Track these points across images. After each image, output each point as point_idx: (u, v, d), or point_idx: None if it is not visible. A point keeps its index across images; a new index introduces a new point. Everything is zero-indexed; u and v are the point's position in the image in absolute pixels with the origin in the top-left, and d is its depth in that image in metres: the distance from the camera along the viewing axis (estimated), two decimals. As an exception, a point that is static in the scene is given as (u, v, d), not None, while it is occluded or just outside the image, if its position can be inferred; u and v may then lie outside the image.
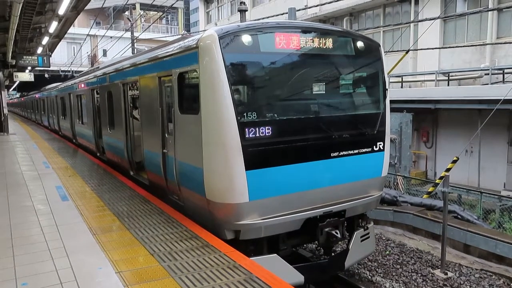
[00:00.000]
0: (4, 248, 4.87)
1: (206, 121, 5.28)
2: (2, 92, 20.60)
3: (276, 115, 5.54)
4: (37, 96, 28.59)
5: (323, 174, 5.88)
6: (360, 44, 6.37)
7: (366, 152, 6.35)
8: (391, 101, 7.06)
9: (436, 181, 12.43)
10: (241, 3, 6.53)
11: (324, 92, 6.28)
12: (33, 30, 15.62)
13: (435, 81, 17.21)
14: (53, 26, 13.51)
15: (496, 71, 15.52)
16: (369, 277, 8.17)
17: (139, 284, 3.91)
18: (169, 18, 63.07)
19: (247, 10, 6.49)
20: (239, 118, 5.09)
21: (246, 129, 5.14)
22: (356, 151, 6.21)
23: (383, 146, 6.59)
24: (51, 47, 21.27)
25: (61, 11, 11.38)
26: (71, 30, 19.09)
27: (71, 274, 4.14)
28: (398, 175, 13.78)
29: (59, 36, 18.49)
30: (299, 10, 13.74)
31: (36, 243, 5.05)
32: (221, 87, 5.05)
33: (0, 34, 14.80)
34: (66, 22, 15.64)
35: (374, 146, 6.46)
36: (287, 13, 12.38)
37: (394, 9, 20.53)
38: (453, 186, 11.57)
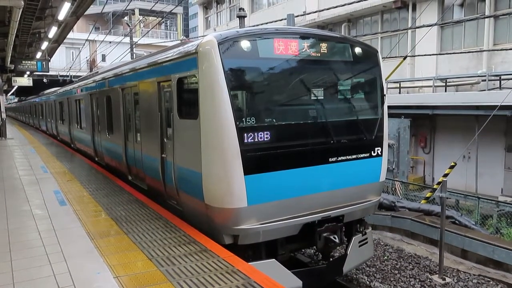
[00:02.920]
0: (1, 252, 4.87)
1: (205, 126, 5.30)
2: (1, 97, 20.59)
3: (274, 120, 5.57)
4: (35, 100, 28.60)
5: (321, 179, 5.90)
6: (358, 50, 6.41)
7: (364, 157, 6.37)
8: (389, 107, 7.10)
9: (434, 187, 12.44)
10: (240, 9, 6.57)
11: (322, 97, 6.32)
12: (33, 35, 15.66)
13: (433, 87, 17.28)
14: (53, 31, 13.55)
15: (493, 77, 15.60)
16: (367, 282, 8.16)
17: (137, 289, 3.91)
18: (168, 24, 63.28)
19: (246, 16, 6.52)
20: (237, 123, 5.11)
21: (245, 134, 5.16)
22: (354, 156, 6.23)
23: (381, 151, 6.62)
24: (50, 52, 21.31)
25: (61, 16, 11.42)
26: (70, 35, 19.11)
27: (69, 279, 4.14)
28: (396, 181, 13.80)
29: (58, 41, 18.54)
30: (297, 16, 13.82)
31: (34, 247, 5.04)
32: (220, 92, 5.08)
33: (-1, 39, 14.83)
34: (66, 27, 15.69)
35: (372, 151, 6.48)
36: (285, 19, 12.45)
37: (392, 15, 20.66)
38: (451, 192, 11.58)
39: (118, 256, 4.72)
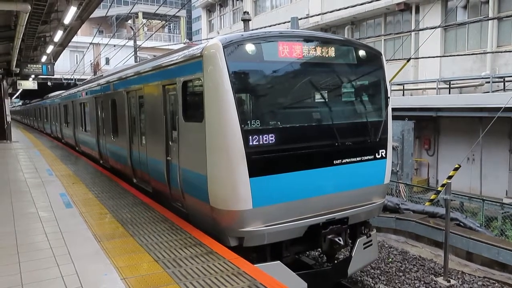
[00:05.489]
0: (9, 255, 4.92)
1: (210, 129, 5.34)
2: (6, 100, 20.73)
3: (279, 122, 5.60)
4: (39, 103, 28.78)
5: (326, 181, 5.92)
6: (362, 52, 6.45)
7: (368, 160, 6.39)
8: (393, 109, 7.12)
9: (438, 189, 12.43)
10: (244, 12, 6.60)
11: (326, 100, 6.35)
12: (38, 39, 15.76)
13: (436, 89, 17.29)
14: (58, 35, 13.63)
15: (496, 79, 15.60)
16: (372, 284, 8.16)
17: (144, 290, 3.94)
18: (171, 27, 63.51)
19: (250, 20, 6.56)
20: (243, 125, 5.15)
21: (250, 137, 5.20)
22: (358, 159, 6.26)
23: (385, 154, 6.64)
24: (55, 55, 21.43)
25: (67, 20, 11.49)
26: (74, 38, 19.22)
27: (76, 280, 4.18)
28: (400, 183, 13.79)
29: (63, 44, 18.64)
30: (300, 19, 13.86)
31: (41, 249, 5.09)
32: (225, 95, 5.12)
33: (5, 43, 14.94)
34: (71, 31, 15.78)
35: (377, 154, 6.50)
36: (289, 21, 12.50)
37: (395, 17, 20.68)
38: (455, 194, 11.58)
39: (124, 258, 4.75)
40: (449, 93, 17.21)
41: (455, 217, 10.05)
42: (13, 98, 50.22)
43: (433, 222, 10.00)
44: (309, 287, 5.90)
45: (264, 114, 5.54)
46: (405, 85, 19.07)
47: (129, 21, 36.33)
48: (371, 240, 6.97)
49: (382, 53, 7.03)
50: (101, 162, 11.82)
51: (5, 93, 20.86)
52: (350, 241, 6.74)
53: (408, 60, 14.20)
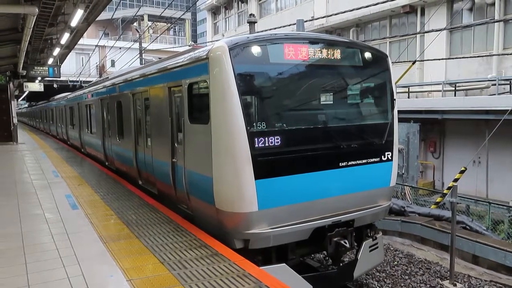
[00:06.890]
0: (16, 256, 4.94)
1: (216, 131, 5.34)
2: (12, 102, 20.88)
3: (285, 125, 5.60)
4: (45, 105, 28.99)
5: (331, 183, 5.91)
6: (367, 55, 6.44)
7: (374, 162, 6.37)
8: (398, 112, 7.10)
9: (444, 191, 12.35)
10: (250, 15, 6.62)
11: (332, 102, 6.34)
12: (45, 41, 15.89)
13: (442, 92, 17.21)
14: (65, 38, 13.74)
15: (503, 82, 15.50)
16: (378, 287, 8.12)
17: (150, 292, 3.95)
18: (176, 29, 63.78)
19: (256, 22, 6.57)
20: (248, 128, 5.15)
21: (256, 139, 5.20)
22: (364, 161, 6.24)
23: (391, 156, 6.61)
24: (61, 57, 21.59)
25: (74, 23, 11.58)
26: (80, 41, 19.34)
27: (82, 281, 4.19)
28: (406, 185, 13.72)
29: (69, 47, 18.78)
30: (306, 21, 13.85)
31: (47, 251, 5.12)
32: (231, 97, 5.13)
33: (12, 46, 15.08)
34: (77, 34, 15.91)
35: (383, 156, 6.48)
36: (294, 24, 12.50)
37: (400, 20, 20.63)
38: (461, 197, 11.47)
39: (130, 259, 4.77)
40: (455, 95, 17.13)
41: (461, 220, 10.00)
42: (19, 100, 50.56)
43: (439, 225, 9.95)
44: (314, 290, 5.88)
45: (269, 116, 5.54)
46: (410, 87, 19.01)
47: (135, 24, 36.53)
48: (377, 243, 6.94)
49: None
50: (106, 164, 11.86)
51: (12, 95, 21.01)
52: (356, 244, 6.71)
53: (414, 62, 14.15)
